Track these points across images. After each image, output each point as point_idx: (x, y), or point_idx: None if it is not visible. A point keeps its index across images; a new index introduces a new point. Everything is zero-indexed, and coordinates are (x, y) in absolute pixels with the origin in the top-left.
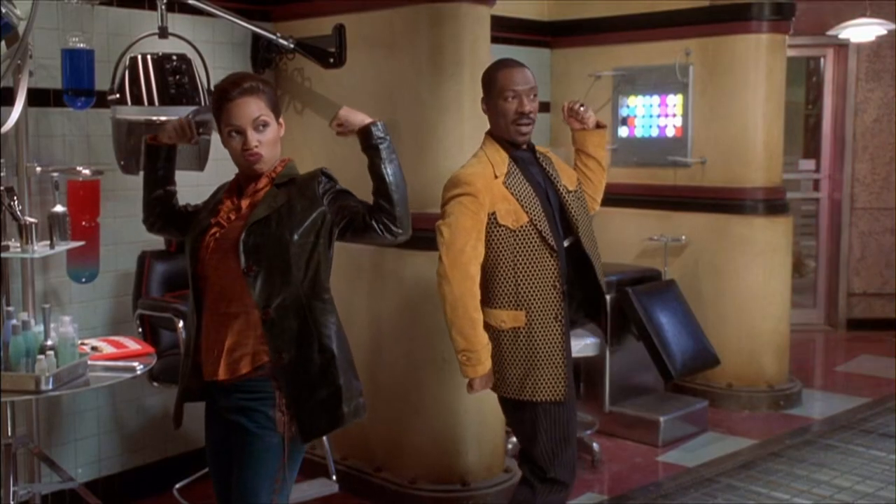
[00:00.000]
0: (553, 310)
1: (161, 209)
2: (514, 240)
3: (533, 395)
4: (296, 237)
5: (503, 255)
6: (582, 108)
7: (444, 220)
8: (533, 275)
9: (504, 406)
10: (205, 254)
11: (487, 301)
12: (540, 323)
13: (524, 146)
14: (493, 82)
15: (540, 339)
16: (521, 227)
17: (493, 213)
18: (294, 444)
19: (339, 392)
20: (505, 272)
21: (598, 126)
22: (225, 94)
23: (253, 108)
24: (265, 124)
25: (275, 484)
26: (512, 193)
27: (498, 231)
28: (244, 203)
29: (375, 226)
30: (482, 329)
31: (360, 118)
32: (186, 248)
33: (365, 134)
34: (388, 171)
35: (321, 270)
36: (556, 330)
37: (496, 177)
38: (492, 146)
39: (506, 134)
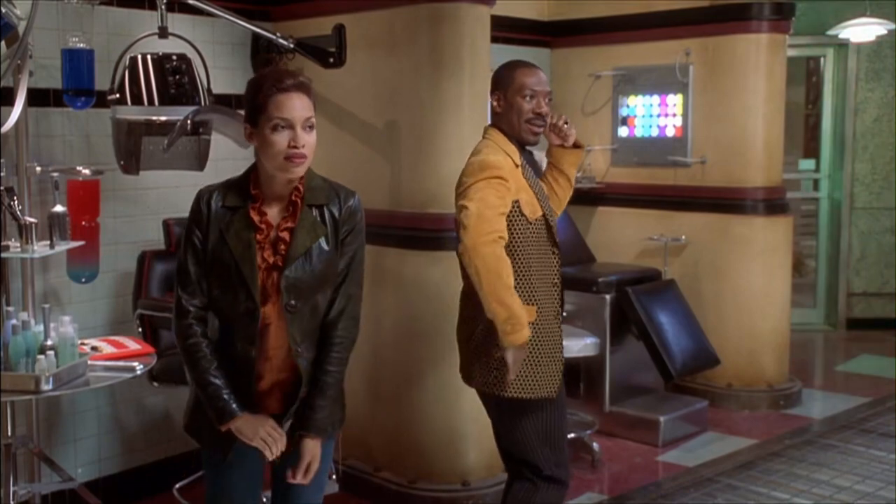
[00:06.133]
0: (554, 307)
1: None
2: (530, 232)
3: (533, 392)
4: (339, 269)
5: (519, 247)
6: (566, 126)
7: (469, 197)
8: (541, 270)
9: (497, 408)
10: (271, 289)
11: None
12: (545, 319)
13: (529, 146)
14: (512, 79)
15: (545, 336)
16: (536, 220)
17: (517, 202)
18: None
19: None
20: (519, 266)
21: (577, 146)
22: (278, 83)
23: (305, 104)
24: (312, 127)
25: None
26: (530, 185)
27: (519, 221)
28: (281, 223)
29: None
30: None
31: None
32: (244, 284)
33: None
34: None
35: None
36: (556, 327)
37: (517, 166)
38: (500, 138)
39: (517, 132)
